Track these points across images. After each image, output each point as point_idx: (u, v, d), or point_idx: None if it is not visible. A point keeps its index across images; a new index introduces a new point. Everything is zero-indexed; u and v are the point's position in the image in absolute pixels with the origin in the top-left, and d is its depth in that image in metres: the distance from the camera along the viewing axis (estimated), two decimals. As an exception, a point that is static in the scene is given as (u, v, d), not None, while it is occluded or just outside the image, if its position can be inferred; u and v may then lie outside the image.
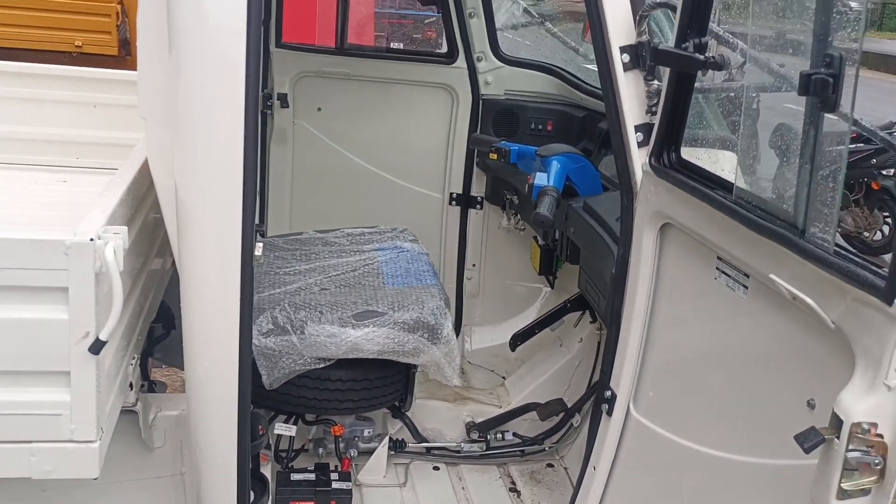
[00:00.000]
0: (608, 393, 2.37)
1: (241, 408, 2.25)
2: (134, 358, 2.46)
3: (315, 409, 3.03)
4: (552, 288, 4.14)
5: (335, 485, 3.02)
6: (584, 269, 3.11)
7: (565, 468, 3.54)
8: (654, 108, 2.24)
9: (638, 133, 2.29)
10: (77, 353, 1.87)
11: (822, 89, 1.43)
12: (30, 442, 1.96)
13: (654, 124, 2.21)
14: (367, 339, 2.86)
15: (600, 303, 2.87)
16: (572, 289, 3.87)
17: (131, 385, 2.43)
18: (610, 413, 2.37)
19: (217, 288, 2.12)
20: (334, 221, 3.71)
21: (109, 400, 2.11)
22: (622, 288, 2.37)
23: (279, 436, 3.14)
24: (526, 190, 3.02)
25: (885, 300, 1.36)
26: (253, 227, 2.04)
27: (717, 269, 1.98)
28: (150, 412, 2.63)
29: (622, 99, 2.29)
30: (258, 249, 2.12)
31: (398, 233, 3.61)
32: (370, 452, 3.36)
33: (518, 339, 3.59)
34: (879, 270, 1.40)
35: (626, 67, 2.28)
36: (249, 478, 2.40)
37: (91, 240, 1.81)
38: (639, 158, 2.26)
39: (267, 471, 2.95)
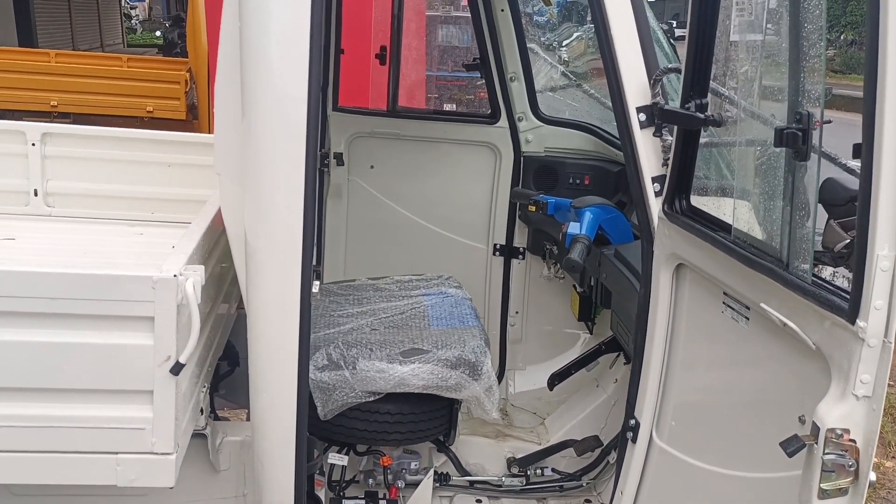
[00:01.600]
0: (633, 421, 2.58)
1: (298, 434, 2.53)
2: (205, 386, 2.76)
3: (365, 440, 3.28)
4: (591, 333, 4.34)
5: (384, 512, 3.25)
6: (615, 312, 3.34)
7: (602, 503, 3.70)
8: (667, 161, 2.49)
9: (655, 184, 2.54)
10: (160, 374, 2.18)
11: (793, 142, 1.67)
12: (116, 453, 2.26)
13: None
14: (413, 375, 3.12)
15: (629, 341, 3.08)
16: (608, 333, 4.09)
17: (202, 410, 2.73)
18: (634, 440, 2.57)
19: (279, 324, 2.42)
20: (385, 269, 4.02)
21: (185, 418, 2.40)
22: (644, 324, 2.59)
23: (332, 465, 3.39)
24: (560, 238, 3.27)
25: (849, 320, 1.58)
26: (311, 268, 2.34)
27: (724, 303, 2.20)
28: (217, 437, 2.91)
29: (640, 153, 2.55)
30: (315, 287, 2.41)
31: (443, 280, 3.89)
32: (416, 484, 3.58)
33: (556, 379, 3.81)
34: (845, 295, 1.61)
35: (643, 125, 2.54)
36: (305, 498, 2.65)
37: (175, 276, 2.13)
38: (656, 206, 2.51)
39: (321, 495, 3.20)
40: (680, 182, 2.35)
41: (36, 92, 9.09)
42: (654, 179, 2.55)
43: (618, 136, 4.19)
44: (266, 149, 2.34)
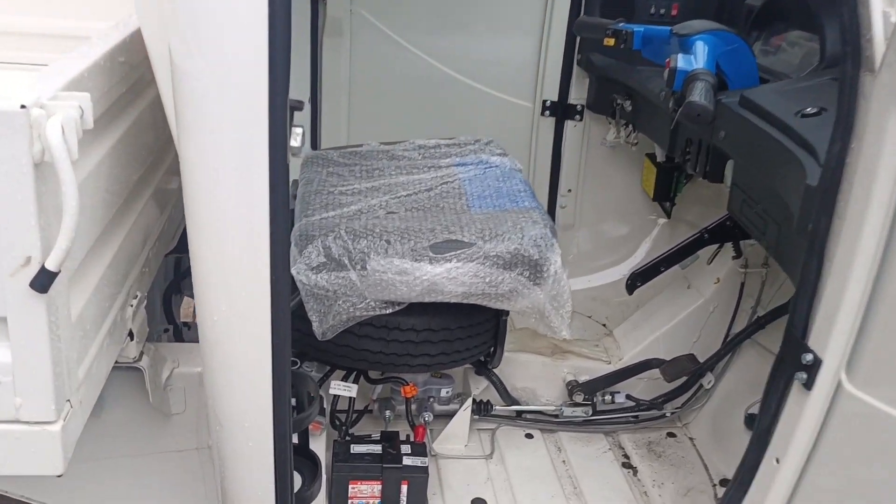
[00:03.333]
0: (808, 357, 1.62)
1: (277, 366, 1.58)
2: (135, 297, 1.80)
3: (381, 365, 2.36)
4: (668, 217, 3.36)
5: (407, 460, 2.35)
6: (738, 187, 2.33)
7: (691, 438, 2.82)
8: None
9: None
10: (15, 289, 1.21)
11: None
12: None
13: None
14: (448, 278, 2.16)
15: (767, 230, 2.09)
16: (692, 219, 3.12)
17: (131, 334, 1.78)
18: (809, 386, 1.63)
19: (235, 188, 1.42)
20: (399, 133, 2.98)
21: (86, 359, 1.45)
22: (831, 204, 1.59)
23: (336, 397, 2.48)
24: (665, 78, 2.23)
25: None
26: (285, 100, 1.34)
27: None
28: (164, 369, 1.99)
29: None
30: (295, 137, 1.41)
31: (482, 145, 2.87)
32: (449, 416, 2.69)
33: (637, 279, 2.84)
34: None
35: None
36: (291, 461, 1.73)
37: (23, 107, 1.12)
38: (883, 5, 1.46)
39: (320, 444, 2.30)
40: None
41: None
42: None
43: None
44: None
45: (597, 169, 3.47)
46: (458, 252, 2.18)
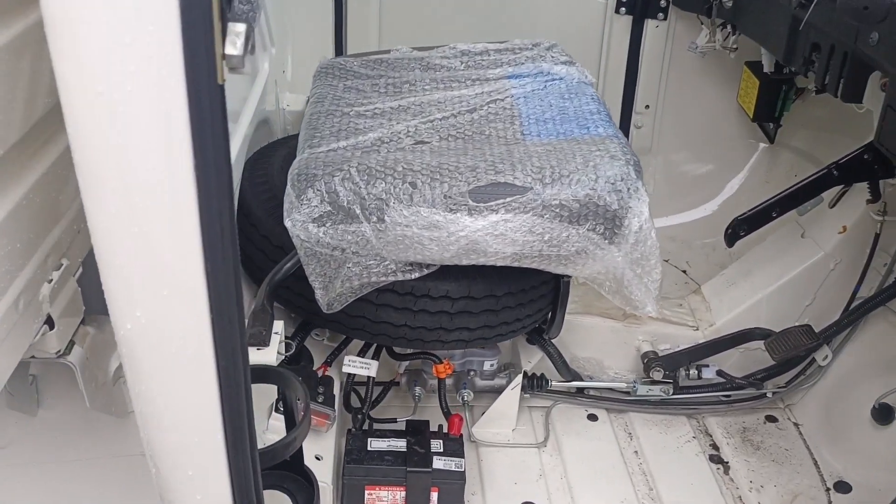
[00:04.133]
0: None
1: (227, 388, 1.03)
2: (58, 268, 1.29)
3: (406, 341, 1.83)
4: (771, 142, 2.72)
5: (438, 462, 1.84)
6: (894, 109, 1.68)
7: (796, 424, 2.26)
8: None
9: None
10: None
11: None
12: None
13: None
14: (493, 235, 1.60)
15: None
16: (800, 145, 2.49)
17: (50, 321, 1.27)
18: None
19: (135, 125, 0.85)
20: (440, 36, 2.37)
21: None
22: None
23: (349, 375, 1.97)
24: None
25: None
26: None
27: None
28: (112, 358, 1.49)
29: None
30: (232, 41, 0.83)
31: (543, 50, 2.24)
32: (493, 393, 2.17)
33: (742, 227, 2.22)
34: None
35: None
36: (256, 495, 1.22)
37: None
38: None
39: (328, 440, 1.81)
40: None
41: None
42: None
43: None
44: None
45: (682, 80, 2.83)
46: (509, 199, 1.60)
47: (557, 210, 1.61)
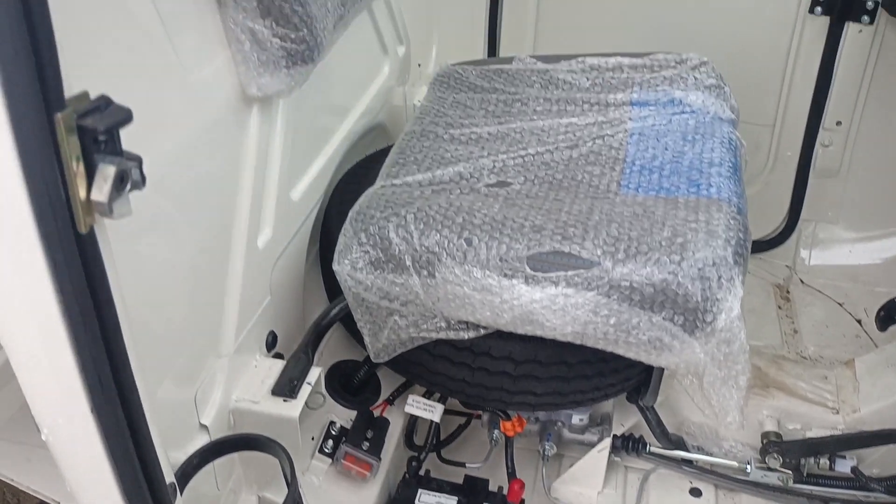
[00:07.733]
0: None
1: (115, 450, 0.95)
2: None
3: (465, 395, 1.69)
4: None
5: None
6: None
7: (948, 544, 1.86)
8: None
9: None
10: None
11: None
12: None
13: None
14: (552, 310, 1.41)
15: None
16: None
17: None
18: None
19: None
20: (601, 42, 2.12)
21: None
22: None
23: (412, 417, 1.87)
24: None
25: None
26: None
27: None
28: None
29: None
30: (98, 188, 0.72)
31: (688, 69, 1.92)
32: (583, 447, 1.97)
33: (897, 313, 1.82)
34: None
35: None
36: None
37: None
38: None
39: (370, 490, 1.73)
40: None
41: None
42: None
43: None
44: None
45: (887, 97, 2.35)
46: (571, 273, 1.39)
47: (627, 292, 1.37)
